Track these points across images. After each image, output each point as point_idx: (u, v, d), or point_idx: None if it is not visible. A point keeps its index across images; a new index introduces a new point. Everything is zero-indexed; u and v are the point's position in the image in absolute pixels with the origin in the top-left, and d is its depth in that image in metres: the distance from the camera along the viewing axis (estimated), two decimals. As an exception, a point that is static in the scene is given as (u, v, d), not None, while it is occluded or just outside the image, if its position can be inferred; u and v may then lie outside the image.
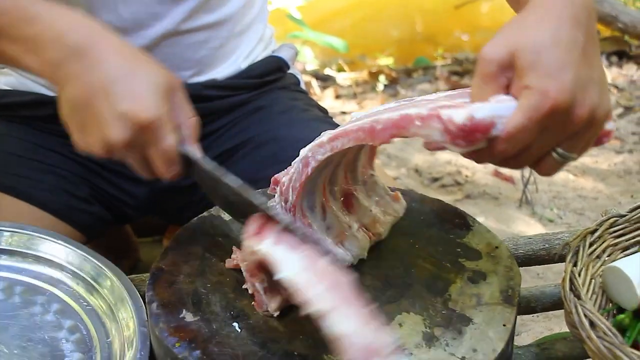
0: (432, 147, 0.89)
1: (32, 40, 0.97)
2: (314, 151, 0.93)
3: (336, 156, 0.94)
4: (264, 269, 0.91)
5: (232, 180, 0.96)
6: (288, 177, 0.96)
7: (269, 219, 0.92)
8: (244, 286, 0.97)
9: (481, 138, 0.83)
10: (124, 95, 0.94)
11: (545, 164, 0.87)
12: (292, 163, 0.96)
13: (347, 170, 1.03)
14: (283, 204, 0.97)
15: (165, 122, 0.95)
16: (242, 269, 0.96)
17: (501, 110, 0.83)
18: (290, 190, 0.96)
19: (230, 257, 1.02)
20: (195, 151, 1.00)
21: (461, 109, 0.84)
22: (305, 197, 0.97)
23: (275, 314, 0.94)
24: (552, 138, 0.84)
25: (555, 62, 0.82)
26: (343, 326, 0.78)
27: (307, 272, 0.83)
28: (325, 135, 0.93)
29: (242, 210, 0.97)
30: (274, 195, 0.99)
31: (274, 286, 0.93)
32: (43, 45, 0.97)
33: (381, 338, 0.78)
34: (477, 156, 0.87)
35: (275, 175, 0.98)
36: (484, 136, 0.83)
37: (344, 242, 1.01)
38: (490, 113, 0.82)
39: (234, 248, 1.02)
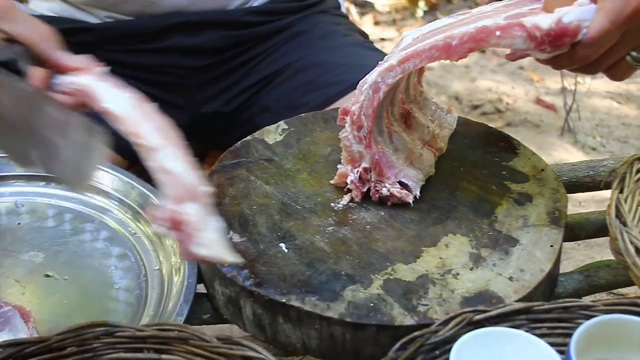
0: (515, 56, 0.94)
1: None
2: (384, 75, 0.92)
3: (401, 78, 0.94)
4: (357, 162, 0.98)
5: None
6: (358, 105, 0.95)
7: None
8: (339, 166, 1.02)
9: (568, 42, 0.85)
10: None
11: (618, 69, 0.91)
12: (361, 90, 0.95)
13: (402, 90, 1.02)
14: (356, 132, 0.96)
15: None
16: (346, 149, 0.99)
17: (584, 14, 0.85)
18: (363, 117, 0.95)
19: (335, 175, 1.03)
20: None
21: (544, 15, 0.86)
22: (375, 122, 0.96)
23: (356, 201, 0.99)
24: (630, 42, 0.87)
25: None
26: (171, 164, 0.82)
27: (135, 109, 0.86)
28: (394, 58, 0.92)
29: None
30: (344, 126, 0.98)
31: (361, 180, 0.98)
32: None
33: (202, 184, 0.83)
34: (557, 62, 0.89)
35: (344, 105, 0.97)
36: (572, 40, 0.85)
37: (413, 162, 1.01)
38: (576, 17, 0.85)
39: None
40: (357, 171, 0.99)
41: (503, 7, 0.93)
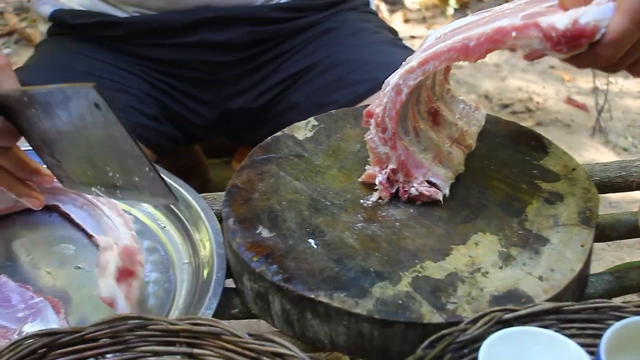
0: (532, 57, 0.92)
1: None
2: (405, 78, 0.92)
3: (424, 79, 0.93)
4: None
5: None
6: (382, 108, 0.95)
7: None
8: (367, 167, 1.02)
9: (585, 43, 0.83)
10: None
11: None
12: (383, 92, 0.95)
13: (429, 88, 1.02)
14: (381, 134, 0.96)
15: None
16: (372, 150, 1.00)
17: (602, 13, 0.83)
18: (387, 119, 0.95)
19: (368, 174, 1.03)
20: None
21: (561, 14, 0.84)
22: (399, 124, 0.96)
23: (385, 200, 0.99)
24: None
25: None
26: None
27: None
28: (415, 60, 0.91)
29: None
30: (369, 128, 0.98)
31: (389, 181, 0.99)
32: None
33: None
34: (578, 61, 0.87)
35: (367, 108, 0.97)
36: (589, 41, 0.83)
37: (442, 160, 1.01)
38: (594, 17, 0.82)
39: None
40: (385, 172, 0.99)
41: (524, 4, 0.92)
